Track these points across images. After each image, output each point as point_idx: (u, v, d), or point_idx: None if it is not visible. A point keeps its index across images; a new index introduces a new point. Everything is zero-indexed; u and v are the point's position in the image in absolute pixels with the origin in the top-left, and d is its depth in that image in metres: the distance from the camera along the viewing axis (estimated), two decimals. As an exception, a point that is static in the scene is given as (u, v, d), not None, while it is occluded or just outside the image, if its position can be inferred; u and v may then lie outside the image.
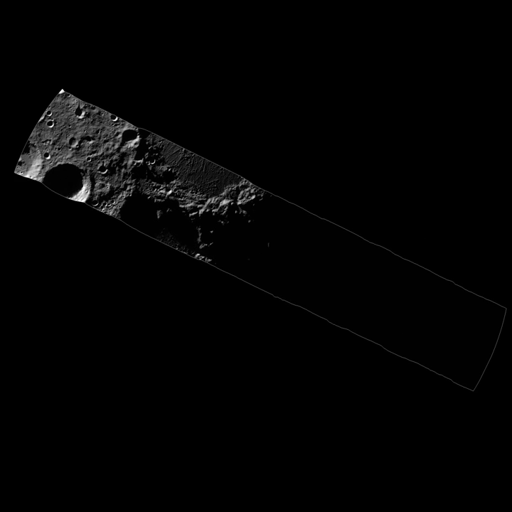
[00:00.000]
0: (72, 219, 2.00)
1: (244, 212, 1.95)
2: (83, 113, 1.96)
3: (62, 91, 1.92)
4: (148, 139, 1.96)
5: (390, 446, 1.96)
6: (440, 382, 1.94)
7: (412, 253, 2.02)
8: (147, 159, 1.97)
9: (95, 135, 1.96)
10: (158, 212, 1.96)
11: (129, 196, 1.97)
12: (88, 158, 1.97)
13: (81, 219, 2.00)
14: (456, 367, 1.88)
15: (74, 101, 1.96)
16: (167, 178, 1.97)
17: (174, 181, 1.96)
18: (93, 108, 1.84)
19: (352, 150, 2.04)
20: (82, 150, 1.97)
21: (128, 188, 1.97)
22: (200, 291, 2.01)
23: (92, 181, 1.97)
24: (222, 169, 1.96)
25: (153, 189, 1.97)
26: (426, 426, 1.95)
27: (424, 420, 1.95)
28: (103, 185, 1.97)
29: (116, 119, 1.79)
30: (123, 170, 1.97)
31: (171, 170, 1.97)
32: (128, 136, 1.96)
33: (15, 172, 1.79)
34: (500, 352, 1.92)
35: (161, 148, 1.96)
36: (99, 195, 1.97)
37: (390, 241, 2.02)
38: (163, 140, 1.90)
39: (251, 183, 1.96)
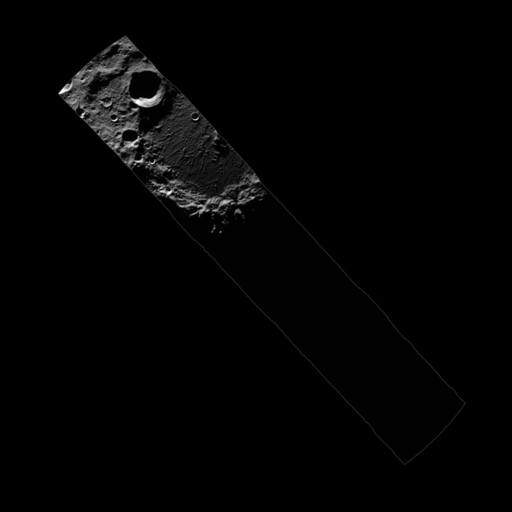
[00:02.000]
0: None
1: (242, 213, 1.95)
2: (83, 114, 1.96)
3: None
4: (146, 139, 1.96)
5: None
6: (378, 443, 1.96)
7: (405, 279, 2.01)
8: (147, 159, 1.97)
9: (96, 135, 1.97)
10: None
11: (129, 196, 1.98)
12: (88, 159, 1.98)
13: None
14: (397, 436, 1.90)
15: (74, 101, 1.96)
16: (167, 178, 1.97)
17: (174, 181, 1.96)
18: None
19: (371, 159, 2.02)
20: (83, 150, 1.97)
21: (128, 189, 1.98)
22: (198, 285, 2.01)
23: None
24: (222, 168, 1.95)
25: (154, 189, 1.97)
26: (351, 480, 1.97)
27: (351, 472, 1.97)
28: (103, 186, 1.98)
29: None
30: (123, 170, 1.97)
31: (171, 170, 1.96)
32: (128, 136, 1.96)
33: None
34: (446, 438, 1.97)
35: (161, 148, 1.96)
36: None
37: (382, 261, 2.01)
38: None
39: (251, 183, 1.95)
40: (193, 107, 1.86)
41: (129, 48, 1.94)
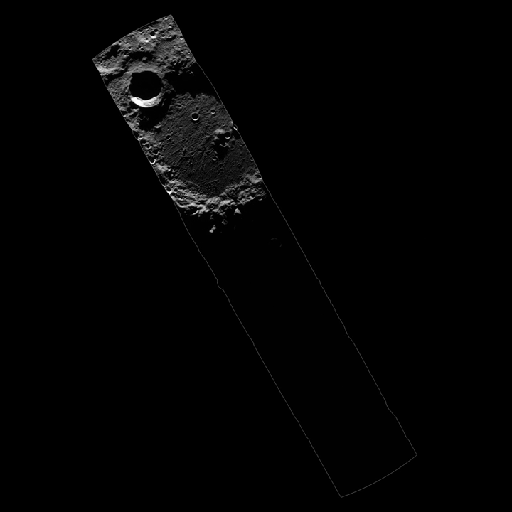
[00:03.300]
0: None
1: (241, 213, 1.95)
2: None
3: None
4: (146, 139, 1.96)
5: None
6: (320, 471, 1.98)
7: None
8: (147, 159, 1.97)
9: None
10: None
11: (129, 196, 1.98)
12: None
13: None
14: (341, 469, 1.92)
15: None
16: (167, 178, 1.97)
17: (174, 181, 1.96)
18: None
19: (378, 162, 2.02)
20: (83, 150, 1.98)
21: (128, 189, 1.98)
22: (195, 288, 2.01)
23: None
24: (222, 168, 1.95)
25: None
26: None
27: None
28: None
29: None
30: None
31: (171, 170, 1.96)
32: (128, 136, 1.97)
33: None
34: (391, 482, 1.99)
35: (161, 149, 1.96)
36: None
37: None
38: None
39: (251, 183, 1.95)
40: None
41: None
